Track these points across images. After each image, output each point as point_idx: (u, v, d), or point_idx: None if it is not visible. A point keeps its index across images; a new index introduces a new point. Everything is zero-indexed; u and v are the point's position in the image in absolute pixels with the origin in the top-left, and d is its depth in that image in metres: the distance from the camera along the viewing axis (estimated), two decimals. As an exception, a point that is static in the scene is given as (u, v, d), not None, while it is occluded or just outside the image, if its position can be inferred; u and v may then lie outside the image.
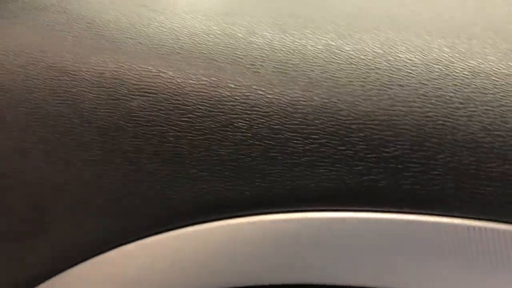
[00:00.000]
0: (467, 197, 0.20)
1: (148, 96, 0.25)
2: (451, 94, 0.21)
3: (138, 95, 0.26)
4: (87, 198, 0.29)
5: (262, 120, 0.23)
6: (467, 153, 0.20)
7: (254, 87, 0.24)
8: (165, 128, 0.25)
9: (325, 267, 0.25)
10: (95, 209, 0.29)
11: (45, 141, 0.29)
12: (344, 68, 0.23)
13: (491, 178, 0.20)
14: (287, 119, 0.23)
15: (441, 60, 0.22)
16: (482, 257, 0.22)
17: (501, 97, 0.20)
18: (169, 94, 0.25)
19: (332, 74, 0.23)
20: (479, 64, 0.22)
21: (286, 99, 0.23)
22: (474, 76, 0.21)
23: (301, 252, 0.25)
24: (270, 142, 0.23)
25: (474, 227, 0.21)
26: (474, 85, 0.21)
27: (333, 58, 0.23)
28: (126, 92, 0.26)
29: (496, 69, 0.21)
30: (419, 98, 0.21)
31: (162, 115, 0.25)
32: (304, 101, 0.23)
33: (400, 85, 0.22)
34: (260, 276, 0.28)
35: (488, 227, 0.21)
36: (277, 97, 0.23)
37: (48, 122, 0.28)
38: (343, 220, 0.23)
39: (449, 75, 0.21)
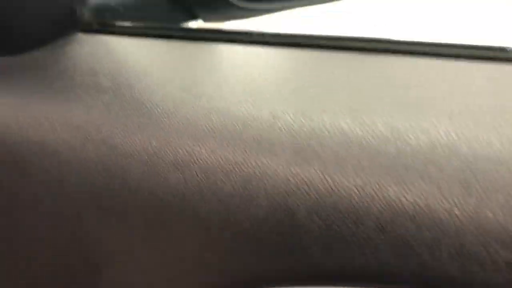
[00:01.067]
0: (473, 283, 0.21)
1: (183, 172, 0.29)
2: (454, 174, 0.22)
3: (175, 170, 0.29)
4: (133, 264, 0.32)
5: (281, 197, 0.25)
6: (474, 237, 0.21)
7: (274, 167, 0.26)
8: (198, 203, 0.28)
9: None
10: (139, 275, 0.33)
11: (97, 208, 0.33)
12: (355, 151, 0.24)
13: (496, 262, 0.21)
14: (303, 199, 0.25)
15: (446, 144, 0.23)
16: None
17: (503, 181, 0.21)
18: (199, 170, 0.28)
19: (343, 156, 0.24)
20: (482, 148, 0.23)
21: (301, 178, 0.25)
22: (476, 159, 0.22)
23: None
24: (287, 222, 0.25)
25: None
26: (477, 167, 0.22)
27: (345, 141, 0.25)
28: (165, 167, 0.29)
29: (498, 153, 0.22)
30: (423, 179, 0.22)
31: (196, 190, 0.28)
32: (318, 181, 0.25)
33: (406, 168, 0.23)
34: None
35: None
36: (293, 178, 0.25)
37: (100, 192, 0.32)
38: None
39: (452, 157, 0.23)
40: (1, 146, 0.36)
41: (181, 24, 0.53)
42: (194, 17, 0.58)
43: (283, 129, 0.27)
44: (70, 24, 0.46)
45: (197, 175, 0.28)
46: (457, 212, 0.21)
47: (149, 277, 0.32)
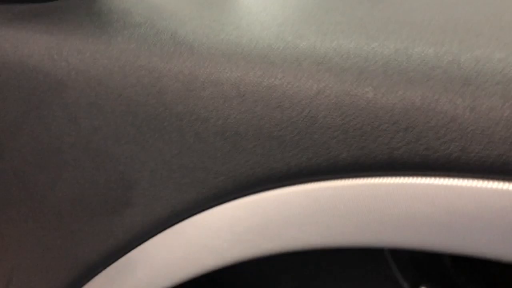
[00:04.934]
0: (470, 159, 0.24)
1: (216, 87, 0.32)
2: (457, 76, 0.25)
3: (208, 86, 0.32)
4: (166, 174, 0.36)
5: (304, 102, 0.29)
6: (473, 121, 0.24)
7: (297, 76, 0.29)
8: (227, 112, 0.31)
9: (356, 230, 0.30)
10: (173, 184, 0.36)
11: (135, 126, 0.36)
12: (370, 59, 0.28)
13: (493, 142, 0.24)
14: (324, 101, 0.28)
15: (450, 51, 0.27)
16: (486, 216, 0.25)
17: (501, 76, 0.25)
18: (230, 84, 0.31)
19: (360, 64, 0.28)
20: (482, 53, 0.26)
21: (322, 85, 0.28)
22: (477, 61, 0.25)
23: (338, 217, 0.30)
24: (310, 120, 0.28)
25: (479, 187, 0.25)
26: (477, 68, 0.25)
27: (361, 52, 0.28)
28: (199, 84, 0.33)
29: (496, 56, 0.25)
30: (429, 81, 0.26)
31: (227, 101, 0.32)
32: (337, 86, 0.28)
33: (414, 71, 0.26)
34: (307, 240, 0.33)
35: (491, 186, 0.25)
36: (316, 84, 0.29)
37: (138, 111, 0.35)
38: (372, 185, 0.28)
39: (455, 61, 0.26)
40: (45, 75, 0.40)
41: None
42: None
43: (306, 47, 0.30)
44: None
45: (229, 89, 0.32)
46: (458, 102, 0.25)
47: (178, 184, 0.35)
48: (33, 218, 0.46)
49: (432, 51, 0.27)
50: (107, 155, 0.39)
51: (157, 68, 0.35)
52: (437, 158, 0.25)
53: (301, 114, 0.29)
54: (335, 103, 0.28)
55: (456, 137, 0.25)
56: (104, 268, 0.44)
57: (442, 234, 0.27)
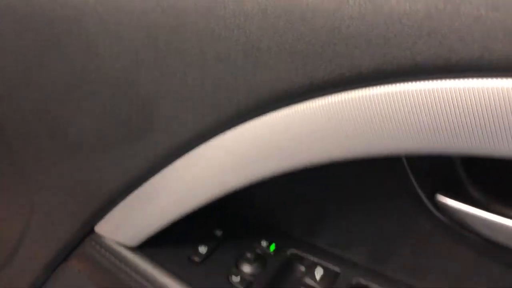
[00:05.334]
0: (492, 56, 0.25)
1: (237, 4, 0.32)
2: None
3: (229, 5, 0.33)
4: (188, 96, 0.37)
5: (327, 13, 0.29)
6: (495, 19, 0.25)
7: (320, -12, 0.30)
8: (249, 29, 0.32)
9: (379, 138, 0.31)
10: (195, 106, 0.37)
11: (156, 51, 0.37)
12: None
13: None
14: (348, 10, 0.29)
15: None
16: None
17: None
18: (252, 1, 0.32)
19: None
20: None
21: (345, -5, 0.29)
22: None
23: (361, 126, 0.31)
24: (333, 31, 0.29)
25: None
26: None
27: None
28: (220, 3, 0.33)
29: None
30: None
31: (248, 18, 0.32)
32: (360, -5, 0.28)
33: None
34: (330, 153, 0.34)
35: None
36: (338, -6, 0.29)
37: (158, 35, 0.36)
38: (394, 92, 0.29)
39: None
40: (63, 6, 0.40)
41: None
42: None
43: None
44: None
45: (250, 6, 0.32)
46: (481, 2, 0.25)
47: (200, 105, 0.36)
48: (55, 150, 0.48)
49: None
50: (128, 82, 0.39)
51: (176, -9, 0.35)
52: (460, 59, 0.26)
53: (324, 26, 0.30)
54: (358, 12, 0.28)
55: (479, 37, 0.25)
56: (127, 195, 0.45)
57: (464, 136, 0.28)
